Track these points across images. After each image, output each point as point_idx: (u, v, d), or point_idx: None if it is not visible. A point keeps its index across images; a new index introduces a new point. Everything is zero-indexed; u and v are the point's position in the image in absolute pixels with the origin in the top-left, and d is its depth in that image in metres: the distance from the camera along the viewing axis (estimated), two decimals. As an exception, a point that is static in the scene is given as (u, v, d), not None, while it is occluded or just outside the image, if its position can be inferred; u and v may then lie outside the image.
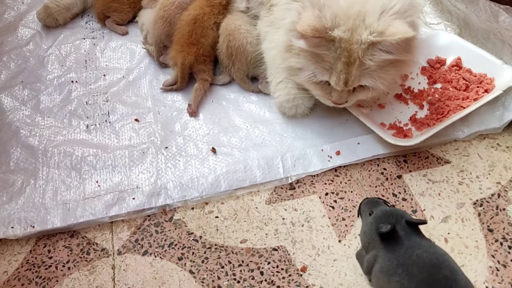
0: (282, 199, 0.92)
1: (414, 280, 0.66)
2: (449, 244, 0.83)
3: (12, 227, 0.87)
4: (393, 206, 0.86)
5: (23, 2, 1.40)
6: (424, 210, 0.89)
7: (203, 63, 1.09)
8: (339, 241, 0.85)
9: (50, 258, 0.85)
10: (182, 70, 1.07)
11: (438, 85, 1.07)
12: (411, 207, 0.89)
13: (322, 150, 0.98)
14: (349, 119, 1.02)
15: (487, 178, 0.93)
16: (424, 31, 1.20)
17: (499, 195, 0.90)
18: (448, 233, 0.85)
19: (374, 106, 1.05)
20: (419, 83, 1.09)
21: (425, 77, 1.10)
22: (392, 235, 0.71)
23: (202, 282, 0.80)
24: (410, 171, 0.96)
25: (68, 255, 0.85)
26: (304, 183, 0.94)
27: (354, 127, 1.01)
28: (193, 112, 1.06)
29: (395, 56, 0.84)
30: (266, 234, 0.87)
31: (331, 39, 0.83)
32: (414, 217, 0.83)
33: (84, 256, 0.85)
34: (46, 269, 0.83)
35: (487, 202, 0.89)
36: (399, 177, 0.95)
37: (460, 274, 0.68)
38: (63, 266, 0.84)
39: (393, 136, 0.96)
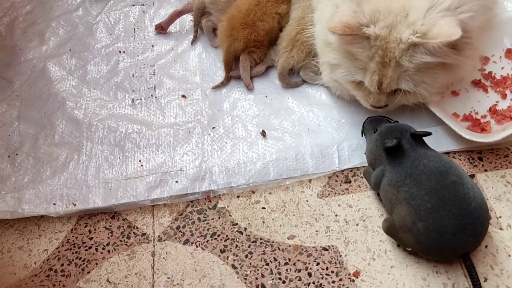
0: (336, 193, 0.84)
1: (422, 188, 0.68)
2: (528, 260, 0.73)
3: (54, 204, 0.85)
4: (397, 121, 0.81)
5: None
6: (500, 217, 0.78)
7: (254, 47, 0.99)
8: (398, 245, 0.76)
9: (91, 239, 0.82)
10: (226, 58, 0.99)
11: (526, 71, 0.93)
12: (485, 213, 0.78)
13: (383, 140, 0.87)
14: (414, 108, 0.90)
15: None
16: (510, 5, 1.05)
17: None
18: (528, 247, 0.74)
19: (447, 93, 0.92)
20: (502, 68, 0.95)
21: (510, 62, 0.95)
22: (398, 149, 0.73)
23: (245, 279, 0.75)
24: (486, 170, 0.84)
25: (108, 237, 0.82)
26: (362, 177, 0.85)
27: (421, 116, 0.89)
28: (251, 88, 0.99)
29: (442, 59, 0.72)
30: (317, 231, 0.79)
31: (366, 36, 0.73)
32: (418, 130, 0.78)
33: (124, 240, 0.81)
34: (86, 250, 0.81)
35: None
36: (472, 176, 0.83)
37: (466, 178, 0.70)
38: (103, 248, 0.81)
39: (468, 130, 0.84)
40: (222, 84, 1.01)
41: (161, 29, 1.13)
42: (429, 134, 0.76)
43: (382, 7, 0.73)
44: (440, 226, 0.66)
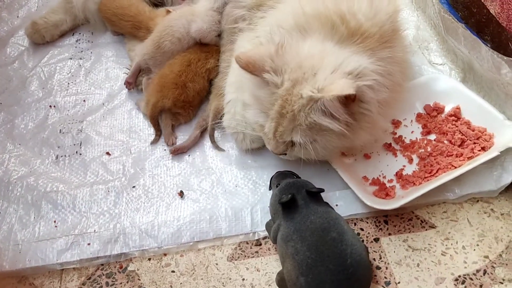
0: (245, 256, 0.85)
1: (305, 243, 0.72)
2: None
3: (-40, 266, 0.84)
4: (299, 177, 0.86)
5: (17, 17, 1.38)
6: (399, 282, 0.81)
7: (182, 107, 1.02)
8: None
9: (-6, 304, 0.81)
10: (152, 111, 1.01)
11: (432, 136, 0.98)
12: (385, 277, 0.81)
13: (295, 203, 0.90)
14: (330, 169, 0.94)
15: (474, 250, 0.84)
16: (427, 69, 1.12)
17: (485, 272, 0.81)
18: (422, 313, 0.77)
19: (359, 156, 0.97)
20: (412, 131, 1.00)
21: (419, 126, 1.01)
22: (292, 205, 0.77)
23: None
24: (390, 234, 0.87)
25: (12, 303, 0.81)
26: (272, 240, 0.87)
27: (334, 179, 0.93)
28: (172, 143, 1.01)
29: (337, 123, 0.76)
30: (222, 296, 0.81)
31: (266, 81, 0.78)
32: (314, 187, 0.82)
33: (28, 306, 0.81)
34: (-13, 316, 0.80)
35: (471, 279, 0.80)
36: (377, 240, 0.87)
37: (348, 235, 0.73)
38: (6, 314, 0.80)
39: (373, 196, 0.88)
40: (156, 141, 1.04)
41: (129, 84, 1.13)
42: (322, 191, 0.80)
43: (294, 61, 0.78)
44: (319, 281, 0.69)
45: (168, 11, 1.16)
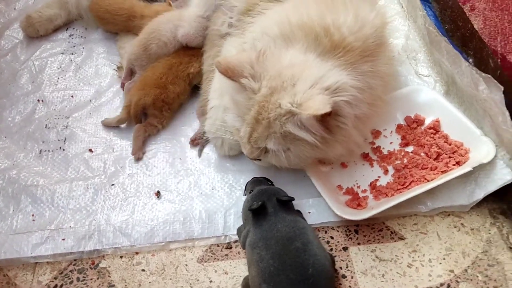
0: (215, 259, 0.87)
1: (270, 252, 0.73)
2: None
3: None
4: (273, 184, 0.88)
5: (15, 9, 1.40)
6: (363, 292, 0.82)
7: (159, 109, 1.04)
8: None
9: (-32, 293, 0.84)
10: (134, 109, 1.03)
11: (410, 148, 0.99)
12: (349, 286, 0.83)
13: (269, 208, 0.92)
14: (307, 176, 0.94)
15: (440, 263, 0.85)
16: (413, 80, 1.12)
17: (448, 286, 0.82)
18: (382, 324, 0.78)
19: (336, 164, 0.98)
20: (390, 142, 1.01)
21: (398, 137, 1.02)
22: (262, 212, 0.78)
23: None
24: (359, 243, 0.88)
25: (-14, 293, 0.84)
26: (242, 244, 0.89)
27: (309, 186, 0.93)
28: (138, 158, 1.02)
29: (311, 135, 0.77)
30: (189, 297, 0.82)
31: (243, 86, 0.79)
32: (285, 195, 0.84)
33: (1, 297, 0.83)
34: (-39, 305, 0.82)
35: (434, 293, 0.81)
36: (345, 249, 0.88)
37: (313, 245, 0.74)
38: (-21, 304, 0.82)
39: (344, 205, 0.89)
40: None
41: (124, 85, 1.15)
42: (292, 199, 0.82)
43: (275, 69, 0.79)
44: None
45: (170, 3, 1.18)
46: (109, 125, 1.07)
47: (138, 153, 1.02)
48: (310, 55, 0.82)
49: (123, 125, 1.08)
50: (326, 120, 0.78)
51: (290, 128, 0.77)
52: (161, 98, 1.04)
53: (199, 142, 1.02)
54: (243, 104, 0.81)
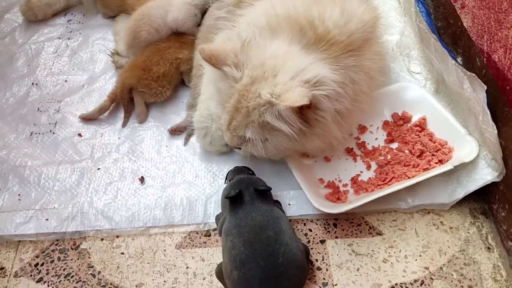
0: (193, 246, 0.89)
1: (242, 239, 0.74)
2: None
3: None
4: (253, 174, 0.90)
5: (16, -9, 1.41)
6: (336, 285, 0.83)
7: (146, 86, 1.06)
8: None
9: (-48, 268, 0.86)
10: (121, 88, 1.06)
11: (395, 145, 0.99)
12: (323, 278, 0.84)
13: (249, 198, 0.93)
14: (289, 168, 0.96)
15: (416, 260, 0.85)
16: (404, 77, 1.12)
17: (422, 283, 0.83)
18: (352, 317, 0.79)
19: (320, 158, 0.98)
20: (376, 138, 1.01)
21: (384, 133, 1.02)
22: (238, 200, 0.80)
23: (84, 322, 0.79)
24: (336, 237, 0.89)
25: (-31, 268, 0.86)
26: (221, 232, 0.90)
27: (291, 178, 0.93)
28: (141, 121, 1.07)
29: (289, 127, 0.77)
30: (165, 281, 0.84)
31: (226, 74, 0.79)
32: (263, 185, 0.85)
33: (-17, 272, 0.85)
34: None
35: (407, 288, 0.82)
36: (322, 242, 0.89)
37: (285, 235, 0.76)
38: (-38, 278, 0.85)
39: (323, 199, 0.90)
40: (125, 123, 1.08)
41: None
42: (269, 189, 0.84)
43: (258, 59, 0.79)
44: (249, 276, 0.72)
45: None
46: (88, 118, 1.08)
47: (141, 116, 1.06)
48: (294, 46, 0.83)
49: (105, 113, 1.09)
50: (305, 113, 0.78)
51: (268, 119, 0.77)
52: (144, 77, 1.06)
53: (178, 133, 1.04)
54: (225, 92, 0.82)
